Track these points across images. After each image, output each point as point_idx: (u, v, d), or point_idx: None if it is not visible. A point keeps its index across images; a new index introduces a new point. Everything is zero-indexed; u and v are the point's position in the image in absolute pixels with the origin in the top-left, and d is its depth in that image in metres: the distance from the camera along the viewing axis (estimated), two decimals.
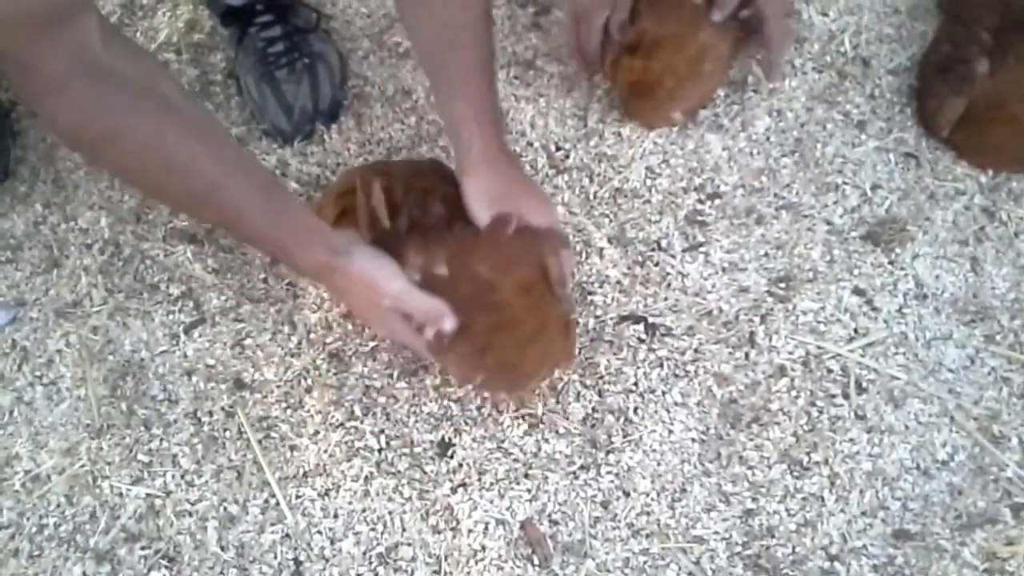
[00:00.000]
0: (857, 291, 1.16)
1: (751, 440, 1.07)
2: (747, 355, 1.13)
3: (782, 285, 1.17)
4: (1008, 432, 1.05)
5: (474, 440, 1.08)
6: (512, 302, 1.00)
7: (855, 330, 1.13)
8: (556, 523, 1.04)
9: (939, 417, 1.07)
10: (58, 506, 1.09)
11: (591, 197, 1.26)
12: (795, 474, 1.05)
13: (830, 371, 1.11)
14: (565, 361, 1.09)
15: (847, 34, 1.35)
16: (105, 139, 0.88)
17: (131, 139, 0.89)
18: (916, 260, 1.17)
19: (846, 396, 1.09)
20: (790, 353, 1.12)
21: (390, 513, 1.05)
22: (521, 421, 1.10)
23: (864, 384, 1.09)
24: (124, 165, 0.93)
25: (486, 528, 1.04)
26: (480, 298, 1.00)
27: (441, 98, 1.05)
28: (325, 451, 1.08)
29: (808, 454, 1.06)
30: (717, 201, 1.24)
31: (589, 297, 1.17)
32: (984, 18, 1.23)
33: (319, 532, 1.05)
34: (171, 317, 1.19)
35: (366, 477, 1.06)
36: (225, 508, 1.06)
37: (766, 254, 1.20)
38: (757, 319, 1.15)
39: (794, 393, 1.10)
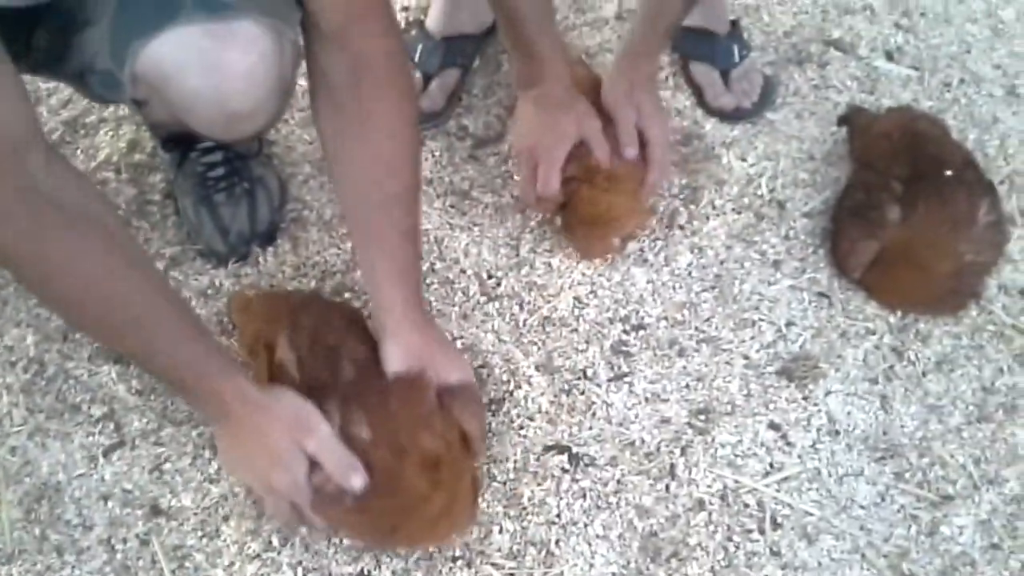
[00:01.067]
0: (772, 425, 1.19)
1: (670, 575, 1.08)
2: (668, 487, 1.15)
3: (702, 417, 1.20)
4: (916, 570, 1.08)
5: (393, 573, 1.08)
6: (419, 482, 1.01)
7: (770, 464, 1.16)
8: None
9: (851, 554, 1.09)
10: None
11: (520, 325, 1.29)
12: None
13: (747, 505, 1.13)
14: (469, 525, 1.09)
15: (764, 178, 1.43)
16: (35, 260, 0.90)
17: (56, 260, 0.91)
18: (828, 396, 1.21)
19: (762, 531, 1.11)
20: (709, 486, 1.14)
21: None
22: (441, 554, 1.09)
23: (779, 519, 1.12)
24: (48, 287, 0.94)
25: None
26: (388, 477, 1.01)
27: (365, 258, 1.10)
28: None
29: None
30: (641, 332, 1.28)
31: (515, 424, 1.19)
32: (896, 169, 1.30)
33: None
34: (91, 439, 1.18)
35: None
36: None
37: (687, 386, 1.23)
38: (678, 451, 1.17)
39: (712, 527, 1.11)
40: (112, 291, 0.95)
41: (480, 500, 1.09)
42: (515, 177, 1.41)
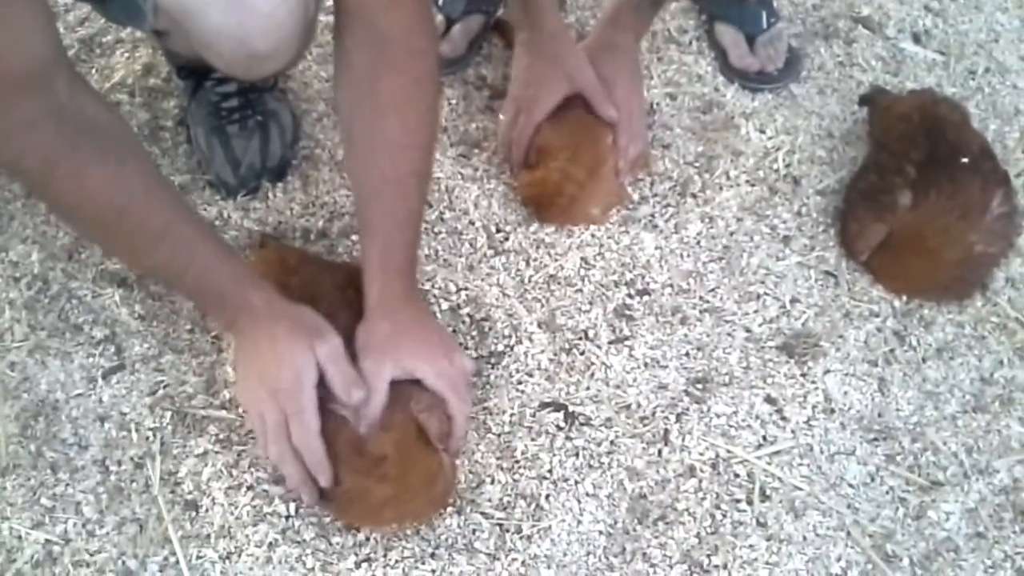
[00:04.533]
0: (769, 399, 1.19)
1: (656, 537, 1.09)
2: (660, 452, 1.15)
3: (699, 386, 1.21)
4: (900, 552, 1.09)
5: None
6: (365, 479, 1.02)
7: (764, 437, 1.17)
8: None
9: (836, 531, 1.10)
10: None
11: (525, 281, 1.29)
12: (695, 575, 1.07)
13: (737, 476, 1.14)
14: (425, 515, 1.08)
15: (781, 152, 1.42)
16: (71, 179, 0.91)
17: (96, 180, 0.92)
18: (827, 375, 1.21)
19: (750, 502, 1.12)
20: (701, 454, 1.15)
21: None
22: None
23: (768, 492, 1.13)
24: (85, 205, 0.95)
25: None
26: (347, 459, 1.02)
27: (361, 242, 1.10)
28: (232, 513, 1.07)
29: (709, 557, 1.08)
30: (645, 298, 1.28)
31: (514, 379, 1.20)
32: (911, 153, 1.29)
33: None
34: (91, 360, 1.18)
35: (270, 543, 1.05)
36: (124, 562, 1.04)
37: (687, 354, 1.23)
38: (673, 417, 1.18)
39: (701, 494, 1.12)
40: (146, 211, 0.96)
41: (447, 490, 1.08)
42: (500, 116, 1.40)
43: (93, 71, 1.45)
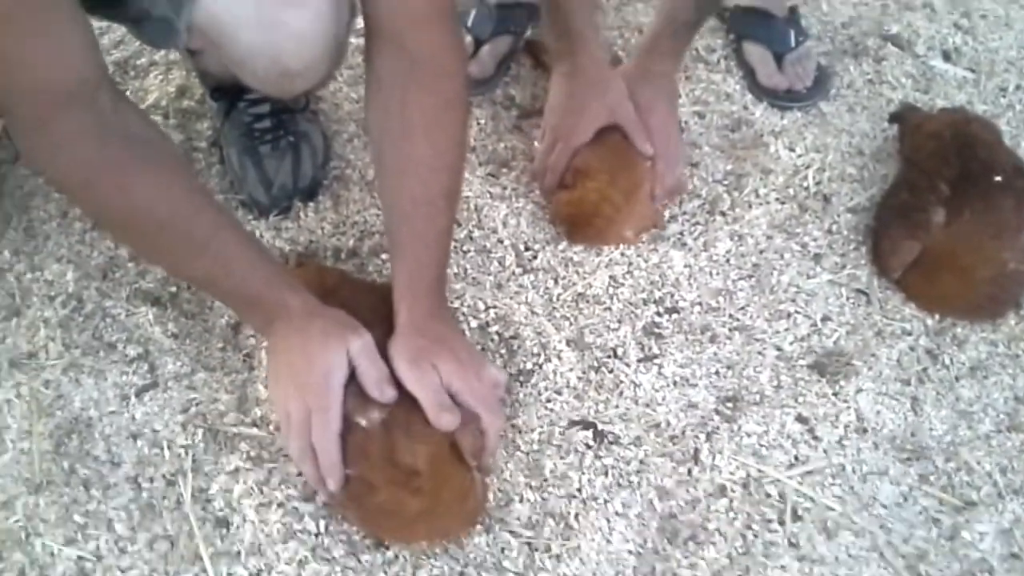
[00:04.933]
0: (800, 419, 1.18)
1: (686, 558, 1.08)
2: (690, 471, 1.15)
3: (729, 405, 1.20)
4: (934, 573, 1.07)
5: None
6: (392, 487, 1.02)
7: (795, 457, 1.16)
8: None
9: (869, 552, 1.09)
10: None
11: (554, 299, 1.29)
12: None
13: (768, 495, 1.13)
14: (458, 531, 1.07)
15: (811, 170, 1.41)
16: (116, 192, 0.95)
17: (140, 192, 0.95)
18: (859, 394, 1.20)
19: (781, 522, 1.11)
20: (731, 474, 1.14)
21: None
22: None
23: (800, 512, 1.11)
24: (129, 217, 0.99)
25: None
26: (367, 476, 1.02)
27: (391, 262, 1.11)
28: (263, 530, 1.07)
29: None
30: (675, 316, 1.27)
31: (543, 397, 1.19)
32: (944, 170, 1.28)
33: None
34: (124, 378, 1.20)
35: (300, 561, 1.05)
36: None
37: (717, 372, 1.23)
38: (703, 436, 1.17)
39: (732, 514, 1.11)
40: (189, 222, 0.99)
41: (478, 507, 1.08)
42: (535, 144, 1.41)
43: (128, 93, 1.47)
